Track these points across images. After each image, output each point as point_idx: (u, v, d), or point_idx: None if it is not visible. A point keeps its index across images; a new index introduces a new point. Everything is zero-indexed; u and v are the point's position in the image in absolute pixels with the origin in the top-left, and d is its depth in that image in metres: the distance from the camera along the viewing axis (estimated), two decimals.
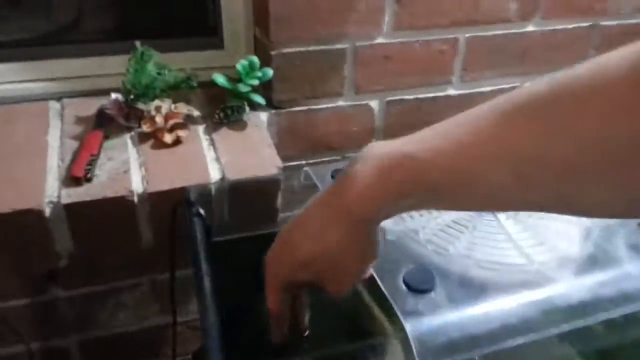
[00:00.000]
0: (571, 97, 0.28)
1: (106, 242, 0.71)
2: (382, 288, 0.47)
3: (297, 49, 0.80)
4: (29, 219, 0.63)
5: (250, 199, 0.73)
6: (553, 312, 0.45)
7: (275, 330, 0.45)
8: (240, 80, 0.78)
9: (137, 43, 0.74)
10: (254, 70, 0.78)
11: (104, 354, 0.93)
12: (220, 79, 0.77)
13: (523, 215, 0.58)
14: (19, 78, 0.79)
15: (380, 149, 0.35)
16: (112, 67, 0.82)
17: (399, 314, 0.44)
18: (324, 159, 0.91)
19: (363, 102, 0.88)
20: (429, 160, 0.32)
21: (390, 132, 0.93)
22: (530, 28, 0.91)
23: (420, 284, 0.46)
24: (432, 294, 0.46)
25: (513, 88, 0.91)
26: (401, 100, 0.90)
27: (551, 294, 0.47)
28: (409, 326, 0.44)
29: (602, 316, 0.45)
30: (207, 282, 0.49)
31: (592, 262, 0.51)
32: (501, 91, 0.88)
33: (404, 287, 0.47)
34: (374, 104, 0.89)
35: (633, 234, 0.55)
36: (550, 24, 0.92)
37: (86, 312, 0.87)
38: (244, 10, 0.84)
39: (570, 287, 0.47)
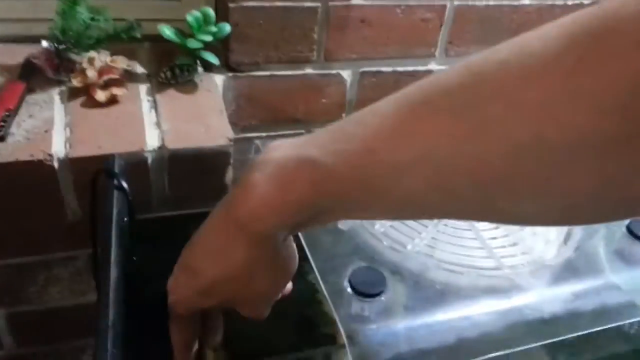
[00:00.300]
0: (495, 89, 0.23)
1: (26, 211, 0.62)
2: (324, 290, 0.39)
3: (261, 4, 0.70)
4: None
5: (194, 172, 0.64)
6: (520, 326, 0.38)
7: None
8: (191, 35, 0.68)
9: None
10: (208, 24, 0.68)
11: (35, 330, 0.86)
12: (167, 31, 0.67)
13: None
14: None
15: (279, 152, 0.30)
16: (47, 10, 0.71)
17: (337, 321, 0.36)
18: (287, 132, 0.82)
19: (334, 71, 0.79)
20: (332, 166, 0.28)
21: (363, 106, 0.84)
22: (526, 1, 0.83)
23: (368, 287, 0.38)
24: (382, 298, 0.38)
25: None
26: (377, 72, 0.82)
27: (519, 304, 0.40)
28: (350, 336, 0.36)
29: (575, 332, 0.38)
30: (113, 272, 0.40)
31: (570, 269, 0.44)
32: None
33: (349, 289, 0.39)
34: (346, 74, 0.80)
35: (620, 239, 0.47)
36: None
37: (16, 284, 0.79)
38: None
39: (542, 298, 0.40)
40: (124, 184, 0.51)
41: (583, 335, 0.38)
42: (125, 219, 0.53)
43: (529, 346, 0.37)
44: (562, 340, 0.37)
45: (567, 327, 0.38)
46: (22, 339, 0.86)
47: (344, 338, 0.36)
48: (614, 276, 0.45)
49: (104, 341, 0.34)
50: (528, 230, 0.48)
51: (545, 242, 0.47)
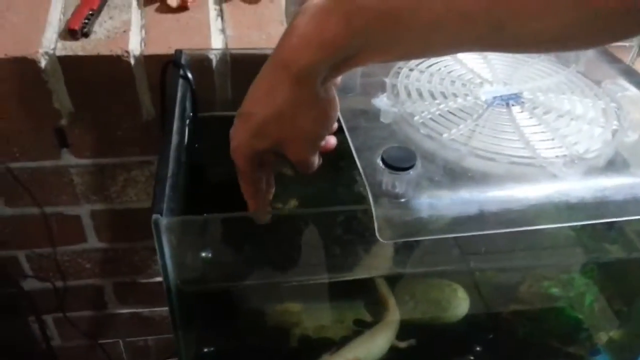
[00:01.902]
0: None
1: (106, 104, 0.69)
2: (357, 161, 0.42)
3: None
4: (24, 67, 0.62)
5: (254, 75, 0.68)
6: (543, 207, 0.39)
7: (255, 209, 0.43)
8: None
9: None
10: None
11: (114, 227, 0.96)
12: None
13: (541, 109, 0.50)
14: None
15: None
16: None
17: (366, 184, 0.39)
18: None
19: None
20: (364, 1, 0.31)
21: None
22: None
23: (398, 161, 0.41)
24: (410, 173, 0.41)
25: None
26: None
27: (547, 190, 0.40)
28: (376, 200, 0.39)
29: (599, 219, 0.38)
30: (173, 149, 0.46)
31: (608, 164, 0.44)
32: None
33: (380, 163, 0.42)
34: None
35: None
36: None
37: (97, 183, 0.88)
38: None
39: (573, 186, 0.40)
40: (189, 75, 0.56)
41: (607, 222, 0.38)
42: (190, 110, 0.59)
43: (549, 226, 0.39)
44: (585, 225, 0.38)
45: (593, 214, 0.39)
46: (103, 235, 0.97)
47: (370, 202, 0.39)
48: None
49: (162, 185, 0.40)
50: (572, 128, 0.48)
51: (589, 140, 0.46)
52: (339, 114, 0.41)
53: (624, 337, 0.60)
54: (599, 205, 0.41)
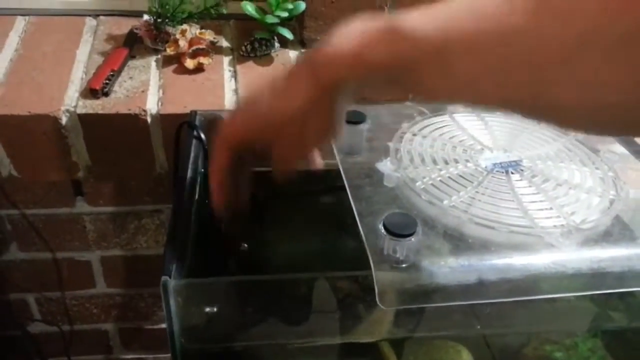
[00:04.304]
0: None
1: (122, 159, 0.72)
2: (360, 226, 0.44)
3: None
4: (46, 124, 0.65)
5: None
6: (540, 277, 0.40)
7: (216, 200, 0.43)
8: (270, 12, 0.75)
9: None
10: (285, 2, 0.75)
11: (123, 273, 0.98)
12: (249, 7, 0.74)
13: (540, 178, 0.52)
14: None
15: (367, 16, 0.33)
16: None
17: (368, 250, 0.41)
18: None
19: None
20: (412, 28, 0.30)
21: None
22: None
23: (400, 228, 0.43)
24: (411, 240, 0.42)
25: None
26: None
27: (545, 260, 0.42)
28: (377, 267, 0.40)
29: (597, 290, 0.39)
30: (187, 188, 0.48)
31: (604, 235, 0.45)
32: None
33: (382, 229, 0.43)
34: None
35: None
36: None
37: (109, 230, 0.90)
38: None
39: (569, 257, 0.42)
40: (202, 135, 0.59)
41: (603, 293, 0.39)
42: (202, 168, 0.61)
43: (548, 296, 0.40)
44: (583, 295, 0.39)
45: (590, 284, 0.40)
46: (111, 281, 0.99)
47: (372, 269, 0.40)
48: None
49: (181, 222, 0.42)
50: (570, 197, 0.49)
51: (586, 209, 0.48)
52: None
53: None
54: (595, 276, 0.42)
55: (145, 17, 0.76)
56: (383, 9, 0.78)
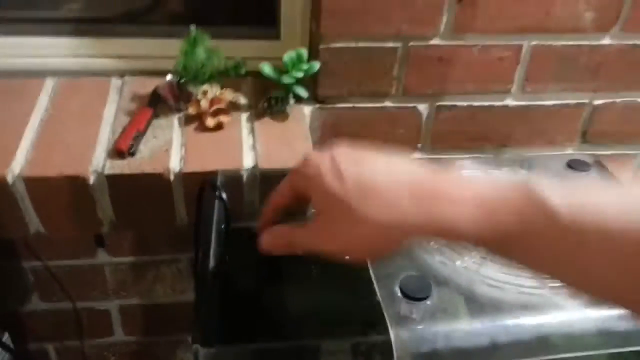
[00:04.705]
0: None
1: (144, 214, 0.75)
2: (376, 289, 0.46)
3: (347, 45, 0.80)
4: (75, 184, 0.69)
5: None
6: (551, 339, 0.42)
7: (263, 230, 0.44)
8: (286, 72, 0.79)
9: (192, 27, 0.77)
10: (300, 62, 0.79)
11: (141, 321, 1.00)
12: (266, 68, 0.79)
13: None
14: (87, 53, 0.86)
15: (500, 177, 0.34)
16: (173, 49, 0.86)
17: (385, 316, 0.43)
18: None
19: (411, 105, 0.86)
20: (552, 203, 0.29)
21: (438, 137, 0.90)
22: (606, 41, 0.84)
23: (415, 291, 0.45)
24: (427, 303, 0.44)
25: (580, 104, 0.85)
26: (453, 106, 0.87)
27: (553, 320, 0.43)
28: (395, 330, 0.42)
29: (602, 350, 0.41)
30: (211, 266, 0.50)
31: None
32: (567, 106, 0.83)
33: (398, 292, 0.45)
34: (423, 107, 0.87)
35: None
36: (631, 37, 0.85)
37: (128, 279, 0.93)
38: (302, 2, 0.85)
39: (576, 316, 0.44)
40: (224, 196, 0.62)
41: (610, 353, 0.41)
42: (223, 226, 0.64)
43: (558, 356, 0.41)
44: (588, 355, 0.41)
45: (594, 345, 0.42)
46: (129, 329, 1.01)
47: (390, 332, 0.42)
48: None
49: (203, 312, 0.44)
50: None
51: None
52: None
53: None
54: (601, 335, 0.43)
55: (168, 77, 0.81)
56: (392, 77, 0.82)
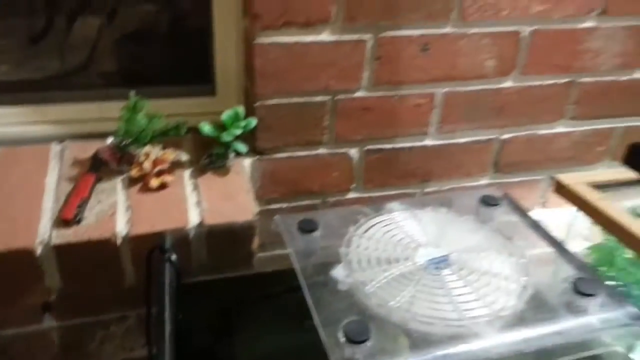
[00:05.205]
0: None
1: (92, 278, 0.77)
2: (323, 336, 0.52)
3: (280, 101, 0.86)
4: (21, 257, 0.70)
5: (227, 242, 0.78)
6: None
7: None
8: (225, 129, 0.84)
9: (132, 93, 0.81)
10: (238, 120, 0.84)
11: None
12: (205, 128, 0.84)
13: (466, 270, 0.62)
14: (24, 120, 0.87)
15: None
16: (112, 111, 0.89)
17: (328, 354, 0.49)
18: (304, 202, 0.97)
19: (342, 150, 0.94)
20: None
21: (369, 178, 0.98)
22: (507, 84, 0.96)
23: (356, 335, 0.51)
24: (368, 345, 0.51)
25: (490, 140, 0.95)
26: (379, 149, 0.96)
27: (474, 348, 0.51)
28: None
29: None
30: (167, 328, 0.54)
31: (520, 318, 0.55)
32: (478, 142, 0.94)
33: (342, 337, 0.51)
34: (353, 152, 0.95)
35: (565, 293, 0.59)
36: (528, 79, 0.97)
37: (76, 341, 0.93)
38: (236, 62, 0.92)
39: (492, 342, 0.51)
40: (174, 257, 0.66)
41: None
42: (173, 284, 0.68)
43: None
44: None
45: None
46: None
47: None
48: (557, 325, 0.56)
49: None
50: (492, 286, 0.60)
51: (506, 295, 0.58)
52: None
53: None
54: (516, 356, 0.51)
55: (109, 140, 0.84)
56: (324, 127, 0.89)
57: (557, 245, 0.68)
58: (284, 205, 0.96)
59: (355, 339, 0.51)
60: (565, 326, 0.56)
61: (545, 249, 0.67)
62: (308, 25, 0.81)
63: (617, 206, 0.85)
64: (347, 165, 0.96)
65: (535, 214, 1.08)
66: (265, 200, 0.95)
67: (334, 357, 0.50)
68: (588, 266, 0.64)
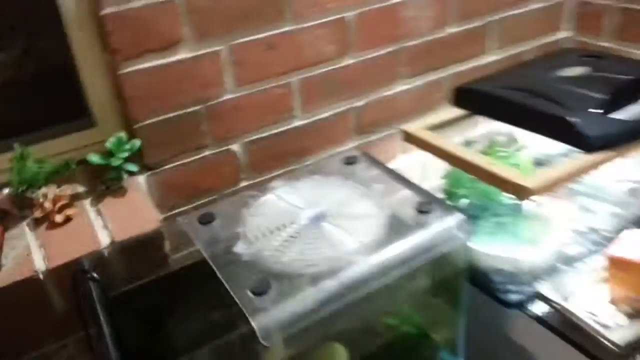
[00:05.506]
0: None
1: (25, 317, 0.84)
2: (235, 297, 0.65)
3: (157, 119, 0.97)
4: None
5: (141, 252, 0.89)
6: (359, 283, 0.66)
7: None
8: (113, 155, 0.93)
9: (16, 145, 0.87)
10: (123, 144, 0.94)
11: None
12: (94, 158, 0.92)
13: (338, 218, 0.79)
14: None
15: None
16: (2, 162, 0.94)
17: (245, 312, 0.63)
18: (205, 200, 1.08)
19: (225, 148, 1.06)
20: None
21: (256, 165, 1.11)
22: (348, 61, 1.14)
23: (260, 288, 0.65)
24: (271, 294, 0.65)
25: (348, 109, 1.12)
26: (258, 139, 1.09)
27: (355, 273, 0.68)
28: (255, 317, 0.62)
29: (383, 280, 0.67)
30: (108, 339, 0.65)
31: (383, 242, 0.73)
32: (337, 115, 1.13)
33: (250, 294, 0.65)
34: (236, 147, 1.08)
35: (413, 214, 0.77)
36: (363, 54, 1.15)
37: None
38: (107, 92, 0.99)
39: (366, 265, 0.68)
40: (95, 275, 0.75)
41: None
42: (103, 299, 0.77)
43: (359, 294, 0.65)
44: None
45: (384, 277, 0.67)
46: None
47: (252, 322, 0.62)
48: (410, 240, 0.74)
49: None
50: (359, 225, 0.76)
51: (368, 230, 0.75)
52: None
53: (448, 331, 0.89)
54: (380, 271, 0.68)
55: (5, 190, 0.89)
56: (203, 132, 1.01)
57: (404, 181, 0.87)
58: (187, 207, 1.07)
59: (260, 292, 0.65)
60: (415, 239, 0.74)
61: (395, 186, 0.86)
62: (164, 49, 0.91)
63: (451, 141, 1.07)
64: (233, 159, 1.08)
65: (398, 161, 1.29)
66: (168, 208, 1.05)
67: (247, 311, 0.64)
68: (426, 191, 0.84)
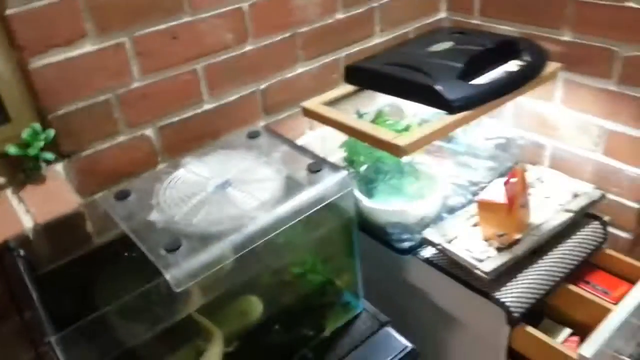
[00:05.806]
0: None
1: None
2: (149, 255, 0.76)
3: (69, 109, 1.03)
4: None
5: (64, 232, 0.96)
6: (254, 235, 0.78)
7: None
8: (29, 146, 0.99)
9: None
10: (38, 134, 1.00)
11: None
12: (11, 149, 0.98)
13: (242, 185, 0.90)
14: None
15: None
16: None
17: (157, 265, 0.73)
18: (125, 183, 1.16)
19: (139, 134, 1.15)
20: None
21: (171, 148, 1.20)
22: (248, 47, 1.24)
23: (171, 246, 0.76)
24: (182, 250, 0.76)
25: (253, 92, 1.24)
26: (170, 123, 1.18)
27: (256, 226, 0.80)
28: (167, 270, 0.73)
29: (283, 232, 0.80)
30: (41, 314, 0.73)
31: (280, 199, 0.86)
32: (244, 97, 1.26)
33: (163, 252, 0.76)
34: (149, 131, 1.16)
35: (305, 175, 0.90)
36: (261, 40, 1.26)
37: None
38: (18, 87, 1.04)
39: (263, 219, 0.81)
40: (22, 253, 0.83)
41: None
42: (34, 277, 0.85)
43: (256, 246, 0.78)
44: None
45: (278, 227, 0.80)
46: None
47: (163, 272, 0.73)
48: (302, 195, 0.87)
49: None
50: (262, 187, 0.89)
51: (268, 191, 0.88)
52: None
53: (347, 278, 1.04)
54: (277, 222, 0.81)
55: None
56: (116, 120, 1.09)
57: (299, 148, 1.00)
58: (107, 191, 1.14)
59: (171, 249, 0.76)
60: (308, 194, 0.87)
61: (292, 153, 0.99)
62: (69, 43, 0.98)
63: (344, 113, 1.21)
64: (148, 144, 1.17)
65: (306, 136, 1.42)
66: (90, 192, 1.12)
67: (161, 266, 0.75)
68: (317, 155, 0.97)
